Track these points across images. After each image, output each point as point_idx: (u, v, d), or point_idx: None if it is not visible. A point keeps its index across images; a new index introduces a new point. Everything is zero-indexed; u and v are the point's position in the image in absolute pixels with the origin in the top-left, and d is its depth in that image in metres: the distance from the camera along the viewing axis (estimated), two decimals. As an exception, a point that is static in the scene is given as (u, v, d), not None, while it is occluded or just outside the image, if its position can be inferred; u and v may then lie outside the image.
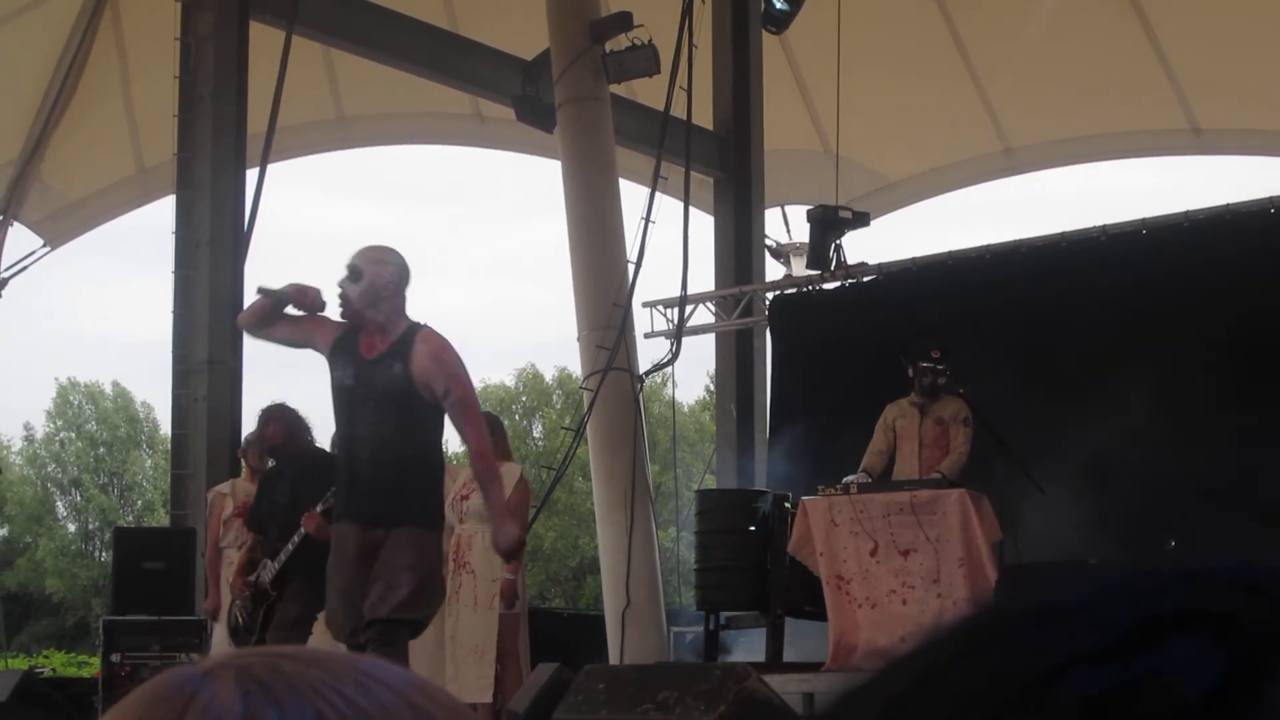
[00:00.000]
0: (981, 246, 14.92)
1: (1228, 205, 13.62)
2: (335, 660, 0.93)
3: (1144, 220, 14.05)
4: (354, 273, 8.29)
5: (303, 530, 10.18)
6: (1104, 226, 14.18)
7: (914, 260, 15.34)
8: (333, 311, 8.42)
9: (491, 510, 8.69)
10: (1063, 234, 14.39)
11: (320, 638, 11.20)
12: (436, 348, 8.39)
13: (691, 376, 54.53)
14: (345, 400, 8.36)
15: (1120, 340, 13.22)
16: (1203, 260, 13.13)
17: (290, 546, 10.27)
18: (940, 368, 11.70)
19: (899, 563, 10.82)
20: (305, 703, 0.88)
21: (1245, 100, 17.38)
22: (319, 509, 10.18)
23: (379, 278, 8.31)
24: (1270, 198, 13.43)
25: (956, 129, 18.89)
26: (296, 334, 8.59)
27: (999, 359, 13.17)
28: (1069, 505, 12.05)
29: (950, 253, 15.11)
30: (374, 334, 8.32)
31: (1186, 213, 13.78)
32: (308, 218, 76.05)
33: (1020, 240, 14.71)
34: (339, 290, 8.32)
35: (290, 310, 8.44)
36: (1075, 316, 13.53)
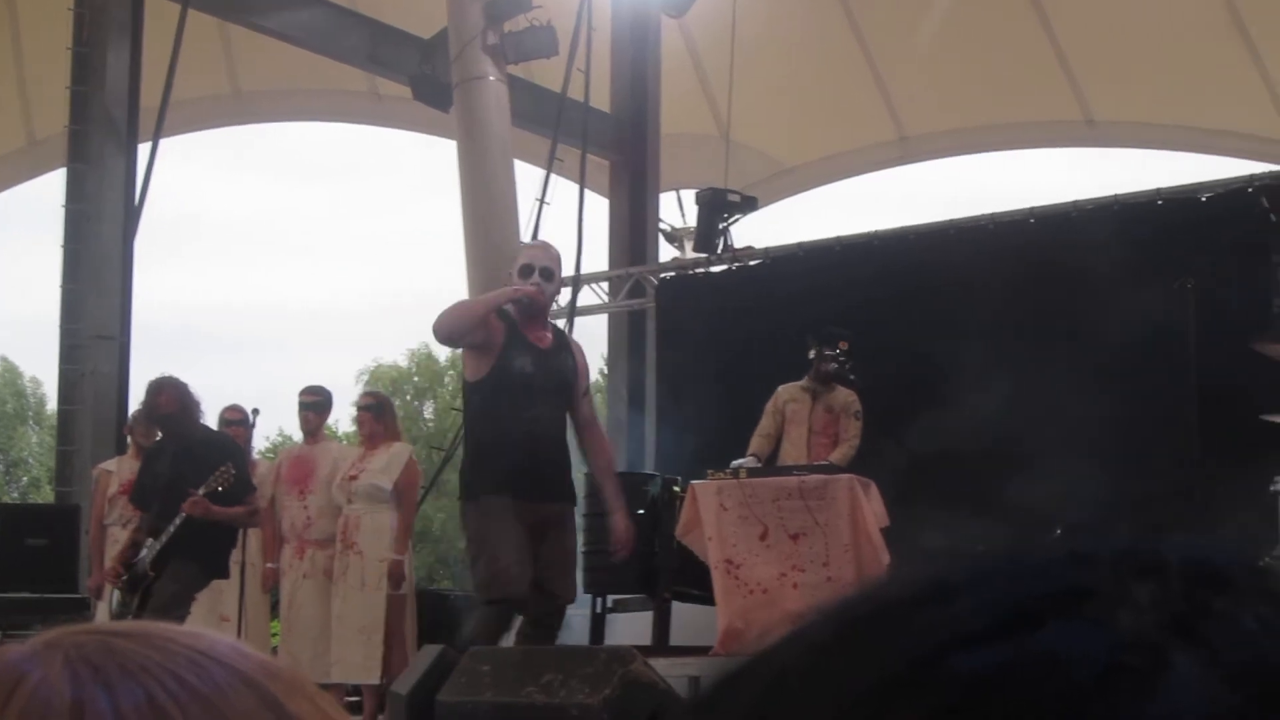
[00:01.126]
0: (869, 233, 14.97)
1: (1116, 196, 13.72)
2: (171, 638, 0.92)
3: (1032, 210, 14.14)
4: (548, 274, 9.03)
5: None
6: (993, 215, 14.27)
7: (801, 245, 15.38)
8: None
9: (614, 502, 9.51)
10: (951, 221, 14.47)
11: (199, 616, 11.16)
12: (582, 350, 9.42)
13: (584, 359, 54.45)
14: (523, 384, 8.85)
15: (1008, 327, 13.30)
16: (1091, 249, 13.22)
17: (172, 528, 10.21)
18: (844, 359, 11.76)
19: (789, 547, 10.83)
20: (136, 684, 0.87)
21: (1138, 93, 17.53)
22: (201, 491, 10.13)
23: (560, 278, 9.34)
24: (1158, 189, 13.54)
25: (852, 117, 18.95)
26: (482, 333, 8.96)
27: (885, 344, 13.26)
28: (955, 492, 12.13)
29: (838, 238, 15.15)
30: (538, 327, 9.07)
31: (1075, 203, 13.88)
32: (201, 193, 75.47)
33: (908, 228, 14.78)
34: (539, 286, 8.94)
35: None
36: (963, 304, 13.58)
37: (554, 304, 9.36)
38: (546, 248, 9.30)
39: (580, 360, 9.30)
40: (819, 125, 19.17)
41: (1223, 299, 11.50)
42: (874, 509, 10.77)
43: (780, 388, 11.98)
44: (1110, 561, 0.66)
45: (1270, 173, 13.15)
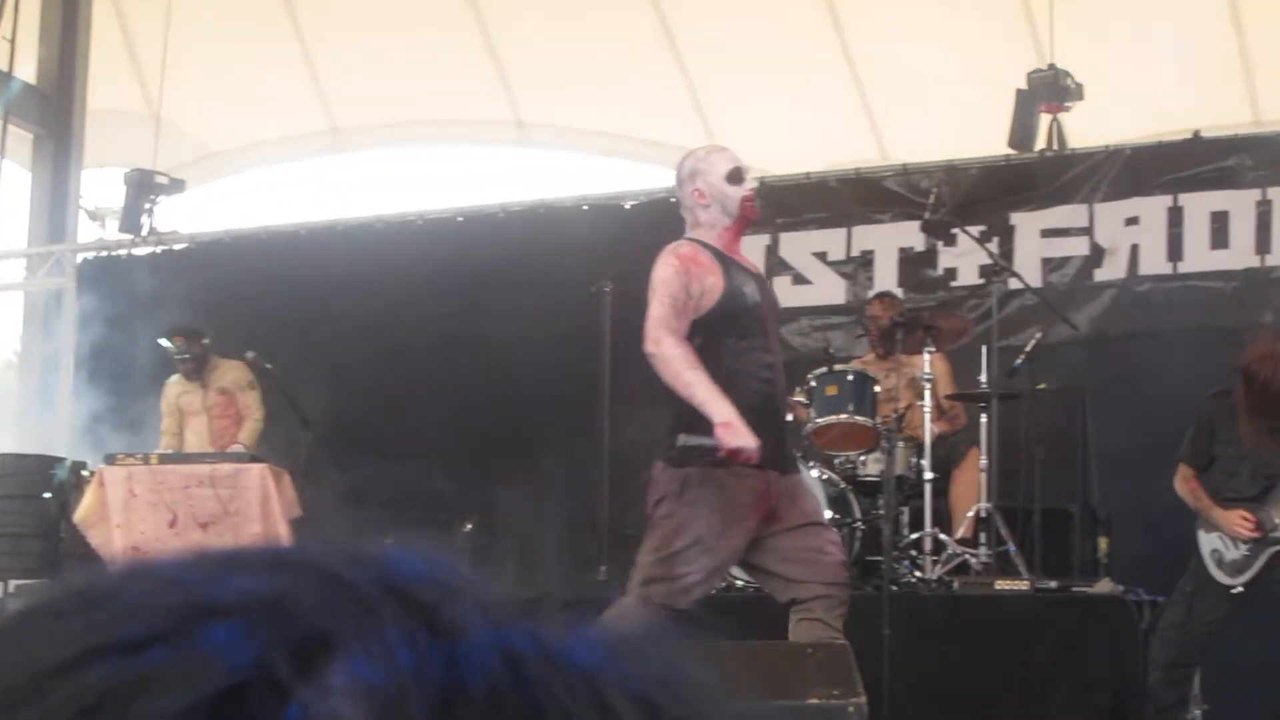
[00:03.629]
0: (297, 224, 14.88)
1: (543, 200, 13.96)
2: None
3: (462, 209, 14.25)
4: (742, 175, 7.32)
5: None
6: (422, 212, 14.33)
7: (228, 232, 15.21)
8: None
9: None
10: (380, 217, 14.48)
11: None
12: None
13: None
14: (755, 317, 7.07)
15: (432, 324, 13.37)
16: (517, 251, 13.40)
17: None
18: (185, 355, 11.82)
19: (198, 535, 10.68)
20: None
21: (569, 98, 17.83)
22: None
23: None
24: (584, 195, 13.82)
25: (283, 103, 18.76)
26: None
27: (309, 334, 13.21)
28: (372, 483, 12.14)
29: (265, 227, 15.02)
30: (739, 246, 7.36)
31: (503, 204, 14.04)
32: None
33: (337, 220, 14.72)
34: (755, 193, 7.33)
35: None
36: (391, 298, 13.58)
37: None
38: (727, 150, 7.46)
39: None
40: (251, 110, 18.93)
41: (638, 301, 11.77)
42: (285, 498, 10.71)
43: (167, 383, 11.98)
44: (275, 566, 0.65)
45: (692, 185, 13.51)
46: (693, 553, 6.86)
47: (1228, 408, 8.70)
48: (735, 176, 7.24)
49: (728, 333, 6.99)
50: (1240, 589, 8.61)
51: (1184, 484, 8.89)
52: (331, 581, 0.64)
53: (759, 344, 7.04)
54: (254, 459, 11.05)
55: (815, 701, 5.99)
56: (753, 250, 13.07)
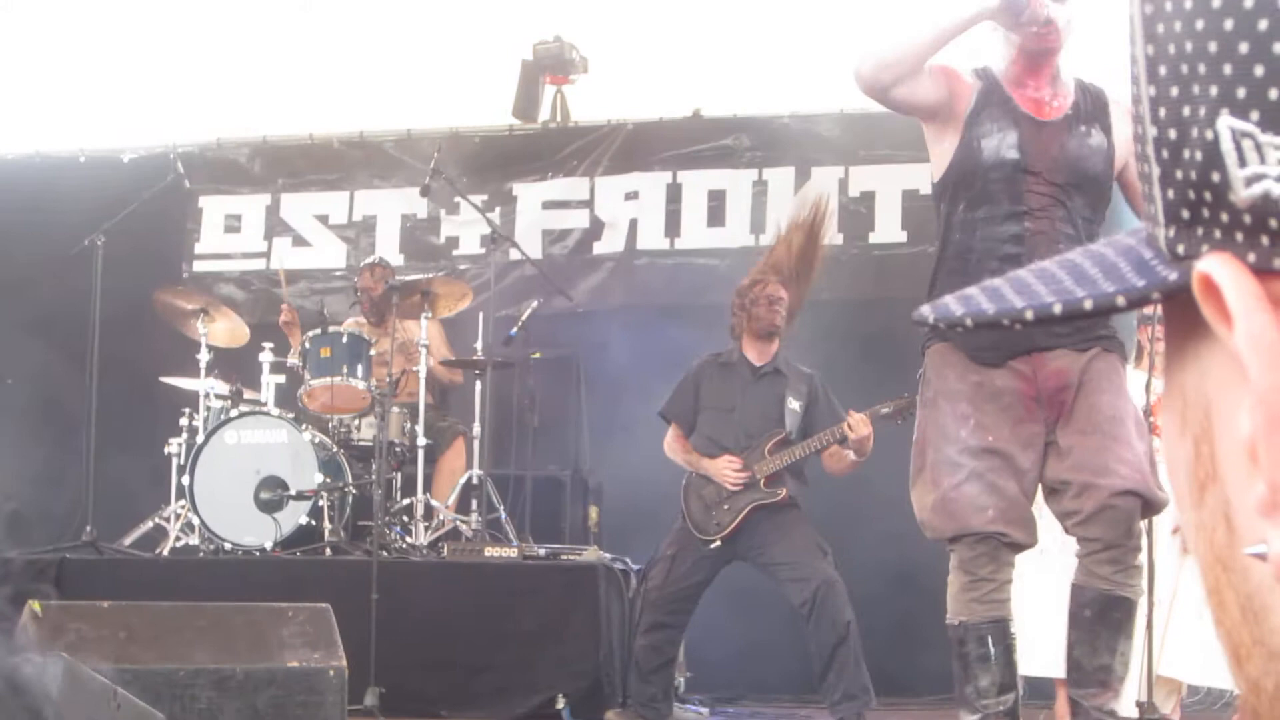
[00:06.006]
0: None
1: (39, 150, 13.50)
2: None
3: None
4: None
5: None
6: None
7: None
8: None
9: None
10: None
11: None
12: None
13: None
14: (1004, 174, 5.77)
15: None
16: (8, 200, 12.99)
17: None
18: None
19: None
20: None
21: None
22: None
23: (1077, 10, 5.85)
24: (81, 147, 13.44)
25: None
26: (933, 90, 5.76)
27: None
28: None
29: None
30: (1045, 85, 5.85)
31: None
32: None
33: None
34: (1051, 19, 5.71)
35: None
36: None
37: (1063, 47, 5.84)
38: None
39: (1123, 139, 5.80)
40: None
41: (133, 260, 11.50)
42: None
43: None
44: None
45: (191, 142, 13.26)
46: (946, 454, 5.73)
47: (716, 365, 8.92)
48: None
49: (957, 198, 5.88)
50: (717, 544, 8.67)
51: (672, 443, 8.97)
52: None
53: (1001, 211, 5.78)
54: None
55: (295, 665, 5.94)
56: (253, 209, 12.92)
